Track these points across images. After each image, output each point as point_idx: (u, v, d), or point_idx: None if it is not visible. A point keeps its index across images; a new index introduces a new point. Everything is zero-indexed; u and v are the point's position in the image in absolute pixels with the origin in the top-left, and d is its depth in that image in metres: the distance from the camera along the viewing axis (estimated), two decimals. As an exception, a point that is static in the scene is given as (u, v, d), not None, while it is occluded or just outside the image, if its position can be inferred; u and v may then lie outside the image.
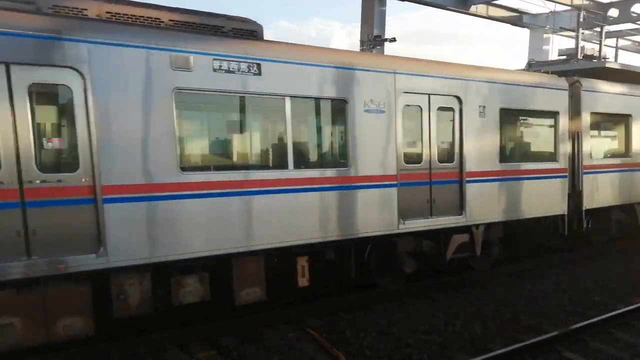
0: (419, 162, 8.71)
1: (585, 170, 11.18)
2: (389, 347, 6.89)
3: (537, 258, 11.39)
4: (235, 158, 7.29)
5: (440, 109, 8.91)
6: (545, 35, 27.09)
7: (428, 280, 9.59)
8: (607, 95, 11.63)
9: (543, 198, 10.39)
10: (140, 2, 6.96)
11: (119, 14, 6.56)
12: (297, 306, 8.14)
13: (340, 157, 8.06)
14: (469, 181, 9.17)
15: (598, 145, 11.78)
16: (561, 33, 26.46)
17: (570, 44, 24.56)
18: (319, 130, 8.16)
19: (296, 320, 7.74)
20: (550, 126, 10.64)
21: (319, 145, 8.31)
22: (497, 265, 10.57)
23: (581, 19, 22.30)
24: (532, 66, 17.27)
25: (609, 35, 28.53)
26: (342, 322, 7.76)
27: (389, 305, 8.55)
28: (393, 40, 18.20)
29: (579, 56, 16.50)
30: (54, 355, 6.27)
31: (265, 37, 7.79)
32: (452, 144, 9.10)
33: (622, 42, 32.66)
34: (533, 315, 8.08)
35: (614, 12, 25.06)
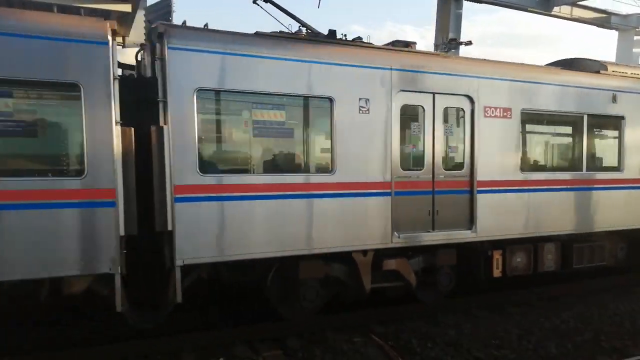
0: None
1: None
2: (457, 359, 6.67)
3: (623, 275, 10.62)
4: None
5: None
6: (636, 37, 25.37)
7: (500, 293, 9.20)
8: None
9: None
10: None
11: None
12: (364, 311, 8.08)
13: None
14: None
15: None
16: (654, 34, 24.66)
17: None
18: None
19: (362, 325, 7.67)
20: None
21: None
22: (578, 280, 9.98)
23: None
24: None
25: None
26: (408, 330, 7.61)
27: (458, 316, 8.28)
28: (469, 43, 17.70)
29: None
30: (128, 345, 6.59)
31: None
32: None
33: None
34: (617, 336, 7.53)
35: None
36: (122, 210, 5.96)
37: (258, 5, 7.90)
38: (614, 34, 26.37)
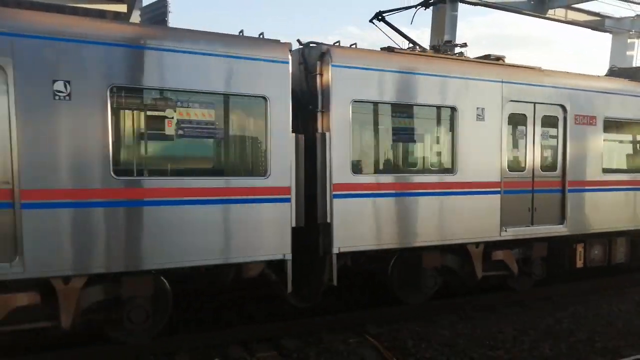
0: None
1: None
2: (452, 360, 6.69)
3: (617, 276, 10.67)
4: None
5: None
6: (629, 40, 25.46)
7: (494, 293, 9.22)
8: None
9: None
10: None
11: None
12: (359, 312, 8.08)
13: None
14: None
15: None
16: (648, 38, 24.77)
17: (658, 49, 22.96)
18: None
19: (357, 325, 7.67)
20: None
21: None
22: (571, 282, 10.04)
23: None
24: (613, 73, 16.28)
25: (703, 39, 26.36)
26: (404, 331, 7.61)
27: (453, 317, 8.31)
28: (464, 45, 17.75)
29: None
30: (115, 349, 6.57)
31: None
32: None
33: None
34: (611, 337, 7.56)
35: None
36: (294, 205, 6.94)
37: (374, 24, 9.33)
38: (605, 36, 26.53)
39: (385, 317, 8.01)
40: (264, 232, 6.80)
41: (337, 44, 7.79)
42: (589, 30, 25.18)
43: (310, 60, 7.46)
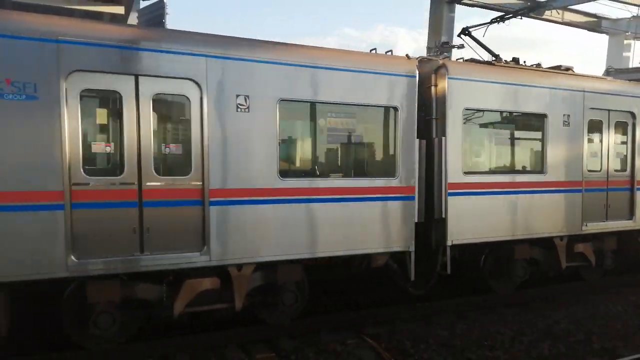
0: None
1: None
2: (450, 360, 6.69)
3: (612, 277, 10.70)
4: None
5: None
6: (626, 42, 25.55)
7: (493, 294, 9.24)
8: None
9: None
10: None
11: None
12: (356, 312, 8.08)
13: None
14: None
15: None
16: (644, 39, 24.86)
17: (654, 50, 23.04)
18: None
19: (356, 326, 7.68)
20: None
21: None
22: (569, 281, 10.08)
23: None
24: (610, 74, 16.34)
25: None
26: (402, 331, 7.62)
27: (451, 317, 8.31)
28: (461, 47, 17.78)
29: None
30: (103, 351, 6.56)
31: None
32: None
33: None
34: (608, 338, 7.58)
35: None
36: (417, 202, 7.84)
37: (461, 38, 10.62)
38: (605, 38, 26.61)
39: (383, 318, 8.01)
40: (394, 227, 7.74)
41: (447, 57, 9.25)
42: (583, 31, 25.26)
43: (423, 72, 8.25)
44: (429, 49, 17.99)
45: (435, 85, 8.21)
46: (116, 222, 6.05)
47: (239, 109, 6.65)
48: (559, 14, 22.41)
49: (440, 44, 17.96)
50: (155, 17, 15.99)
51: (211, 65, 6.48)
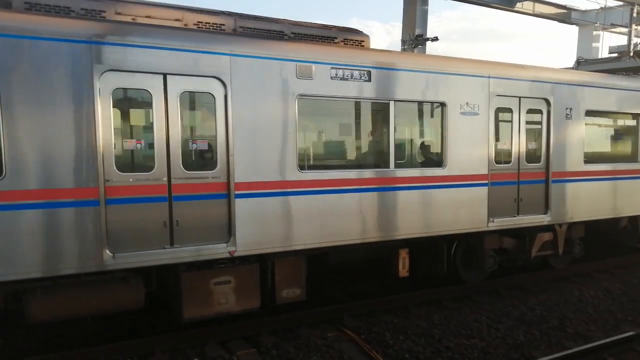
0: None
1: None
2: (429, 350, 6.79)
3: (585, 263, 10.96)
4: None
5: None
6: (595, 33, 26.08)
7: (469, 284, 9.38)
8: None
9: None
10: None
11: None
12: (337, 305, 8.12)
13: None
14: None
15: None
16: (612, 30, 25.40)
17: (622, 41, 23.55)
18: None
19: (335, 319, 7.73)
20: None
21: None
22: (541, 269, 10.27)
23: (634, 14, 21.32)
24: (580, 64, 16.65)
25: (665, 31, 27.14)
26: (381, 323, 7.70)
27: (429, 308, 8.43)
28: (435, 39, 17.94)
29: (631, 53, 15.82)
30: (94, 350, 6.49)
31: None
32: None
33: (678, 38, 31.03)
34: (581, 322, 7.80)
35: (670, 7, 23.81)
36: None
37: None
38: (575, 30, 27.11)
39: (362, 310, 8.08)
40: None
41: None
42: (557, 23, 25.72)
43: None
44: (403, 41, 18.12)
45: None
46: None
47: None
48: (530, 6, 22.77)
49: (414, 37, 18.11)
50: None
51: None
